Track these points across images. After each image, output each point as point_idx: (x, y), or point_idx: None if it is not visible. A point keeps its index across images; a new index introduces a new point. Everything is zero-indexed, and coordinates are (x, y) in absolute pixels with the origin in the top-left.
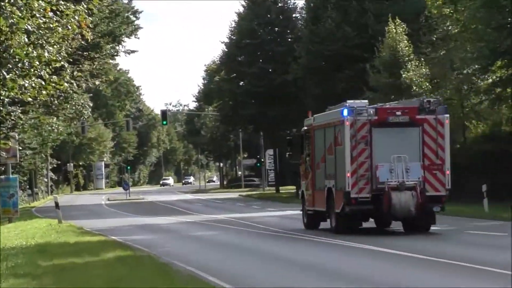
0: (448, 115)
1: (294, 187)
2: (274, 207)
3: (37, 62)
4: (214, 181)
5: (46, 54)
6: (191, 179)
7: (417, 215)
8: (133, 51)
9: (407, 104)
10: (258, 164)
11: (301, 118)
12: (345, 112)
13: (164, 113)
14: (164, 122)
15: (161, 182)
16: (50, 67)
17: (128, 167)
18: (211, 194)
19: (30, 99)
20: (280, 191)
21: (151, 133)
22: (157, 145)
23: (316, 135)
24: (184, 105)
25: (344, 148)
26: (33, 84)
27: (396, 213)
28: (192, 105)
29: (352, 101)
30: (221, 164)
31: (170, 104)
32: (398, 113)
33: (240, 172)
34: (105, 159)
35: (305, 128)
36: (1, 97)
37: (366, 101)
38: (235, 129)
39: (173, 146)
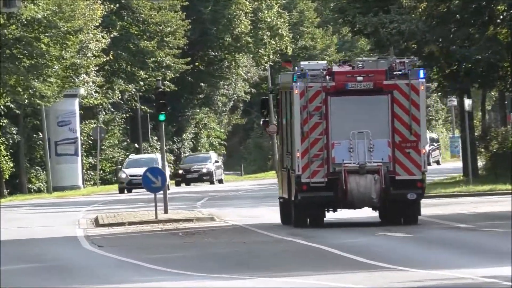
0: (424, 80)
1: None
2: None
3: None
4: None
5: None
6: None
7: (381, 204)
8: None
9: (373, 67)
10: None
11: None
12: (294, 78)
13: None
14: None
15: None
16: None
17: (162, 116)
18: None
19: None
20: None
21: (230, 11)
22: (254, 46)
23: (283, 99)
24: None
25: (294, 123)
26: None
27: (354, 201)
28: None
29: (306, 62)
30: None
31: None
32: (360, 78)
33: None
34: (83, 91)
35: (277, 87)
36: None
37: (324, 62)
38: None
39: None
